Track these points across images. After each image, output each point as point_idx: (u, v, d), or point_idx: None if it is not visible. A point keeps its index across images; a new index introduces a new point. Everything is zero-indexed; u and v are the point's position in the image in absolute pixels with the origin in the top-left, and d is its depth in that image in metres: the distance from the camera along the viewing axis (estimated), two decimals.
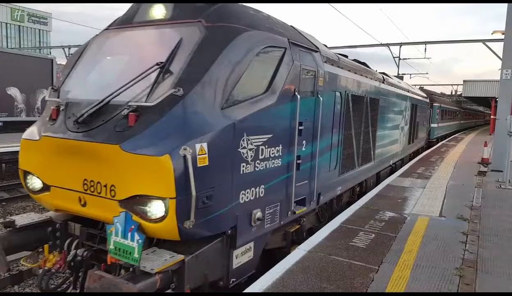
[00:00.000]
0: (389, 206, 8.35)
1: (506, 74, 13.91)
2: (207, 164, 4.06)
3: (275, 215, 5.45)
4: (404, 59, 32.08)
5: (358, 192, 10.02)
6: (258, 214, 4.97)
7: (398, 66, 30.84)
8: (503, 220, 7.66)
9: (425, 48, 29.12)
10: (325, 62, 6.73)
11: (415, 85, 32.11)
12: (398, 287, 4.60)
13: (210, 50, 4.49)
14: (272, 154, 5.15)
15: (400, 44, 29.17)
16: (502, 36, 15.26)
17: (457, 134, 37.21)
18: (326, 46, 7.68)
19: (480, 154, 16.51)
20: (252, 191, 4.86)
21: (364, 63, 10.21)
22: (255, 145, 4.78)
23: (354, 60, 9.56)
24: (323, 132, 6.60)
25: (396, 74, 27.11)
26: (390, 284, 4.66)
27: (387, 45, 28.81)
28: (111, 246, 3.95)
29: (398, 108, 13.09)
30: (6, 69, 19.48)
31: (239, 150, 4.51)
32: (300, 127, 5.68)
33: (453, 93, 61.46)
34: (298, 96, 5.52)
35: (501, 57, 14.71)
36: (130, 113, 4.14)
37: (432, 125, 25.52)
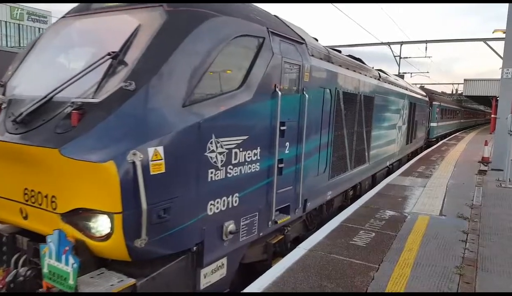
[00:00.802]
0: (389, 205, 8.36)
1: (507, 73, 13.91)
2: (163, 171, 3.49)
3: (253, 226, 4.91)
4: (405, 58, 32.07)
5: (352, 195, 9.41)
6: (231, 226, 4.43)
7: (399, 65, 30.84)
8: (503, 219, 7.67)
9: (426, 47, 29.11)
10: (312, 55, 6.14)
11: (415, 84, 32.10)
12: (398, 286, 4.60)
13: (171, 38, 3.88)
14: (249, 157, 4.61)
15: (401, 43, 29.16)
16: (503, 35, 15.24)
17: (457, 133, 37.19)
18: (316, 40, 7.27)
19: (481, 152, 16.51)
20: (224, 200, 4.31)
21: (359, 59, 9.73)
22: (226, 149, 4.22)
23: (349, 56, 9.19)
24: (309, 133, 6.07)
25: (397, 73, 27.11)
26: (391, 283, 4.67)
27: (388, 44, 28.78)
28: (45, 270, 3.40)
29: (395, 107, 12.53)
30: None
31: (206, 154, 3.96)
32: (282, 128, 5.18)
33: (454, 92, 61.43)
34: (279, 93, 4.95)
35: (502, 56, 14.70)
36: (73, 111, 3.51)
37: (432, 124, 25.18)
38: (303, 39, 5.96)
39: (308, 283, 4.57)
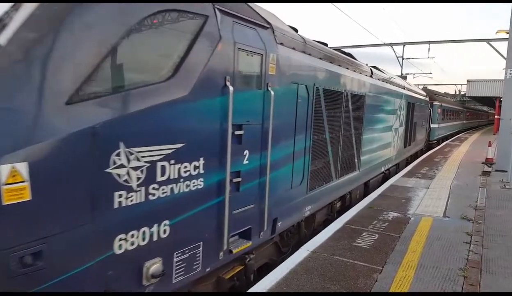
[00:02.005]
0: (392, 206, 8.33)
1: (510, 73, 13.85)
2: (28, 198, 2.49)
3: (195, 260, 3.88)
4: (407, 59, 32.02)
5: (339, 207, 8.40)
6: (155, 267, 3.38)
7: (401, 66, 30.78)
8: (508, 220, 7.62)
9: (429, 48, 29.06)
10: (281, 44, 5.17)
11: (418, 85, 32.02)
12: (402, 288, 4.58)
13: (50, 8, 2.87)
14: (186, 172, 3.60)
15: (404, 44, 29.11)
16: (507, 36, 15.18)
17: (460, 135, 37.06)
18: (296, 30, 6.28)
19: (484, 153, 16.44)
20: (143, 232, 3.25)
21: (349, 54, 8.90)
22: (146, 162, 3.18)
23: (339, 50, 8.42)
24: (278, 138, 5.09)
25: (400, 74, 27.05)
26: (394, 285, 4.64)
27: (391, 45, 28.73)
28: None
29: (391, 107, 11.53)
30: None
31: (109, 170, 2.93)
32: (238, 132, 4.28)
33: (457, 93, 61.26)
34: (231, 88, 3.95)
35: (506, 56, 14.64)
36: None
37: (432, 125, 24.30)
38: (268, 24, 4.92)
39: (311, 285, 4.55)
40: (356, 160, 8.67)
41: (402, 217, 7.58)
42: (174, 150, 3.45)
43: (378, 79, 10.17)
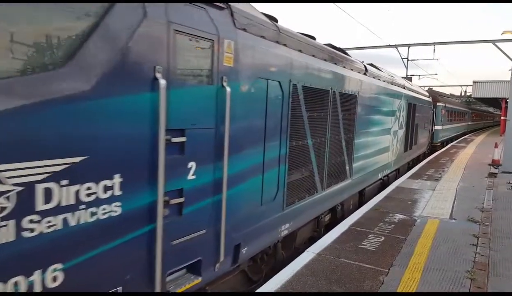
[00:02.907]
0: (398, 208, 8.29)
1: None
2: None
3: None
4: (412, 60, 31.90)
5: (328, 221, 7.51)
6: None
7: (406, 68, 30.67)
8: None
9: (434, 49, 28.93)
10: (244, 30, 4.22)
11: (424, 86, 31.86)
12: (408, 290, 4.56)
13: None
14: (90, 195, 2.70)
15: (409, 45, 29.00)
16: None
17: (466, 136, 36.83)
18: (275, 20, 5.35)
19: (491, 155, 16.33)
20: (15, 283, 2.35)
21: (340, 49, 7.91)
22: (15, 185, 2.31)
23: (328, 45, 7.40)
24: (240, 146, 4.17)
25: (405, 75, 26.97)
26: (400, 287, 4.62)
27: (396, 46, 28.65)
28: None
29: (389, 108, 10.57)
30: None
31: None
32: (178, 139, 3.36)
33: (463, 94, 60.98)
34: (162, 82, 3.08)
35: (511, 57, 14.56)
36: None
37: (436, 127, 23.46)
38: (226, 4, 4.02)
39: (317, 287, 4.54)
40: (347, 167, 7.78)
41: (408, 219, 7.55)
42: (67, 165, 2.52)
43: (374, 77, 9.25)
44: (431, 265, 5.32)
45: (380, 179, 10.82)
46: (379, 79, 9.64)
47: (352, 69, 7.74)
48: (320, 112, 6.32)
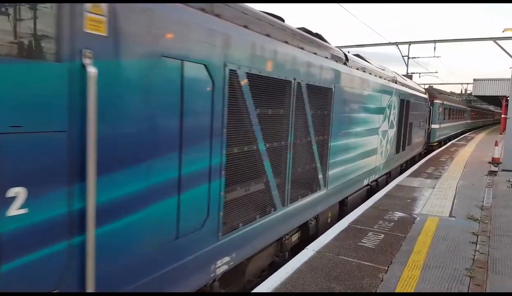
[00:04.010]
0: (398, 206, 8.30)
1: None
2: None
3: None
4: (413, 58, 31.87)
5: (298, 240, 6.26)
6: None
7: (407, 65, 30.64)
8: None
9: (435, 47, 28.88)
10: None
11: (424, 84, 31.80)
12: (407, 288, 4.57)
13: None
14: None
15: (409, 43, 28.95)
16: None
17: (466, 134, 36.81)
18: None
19: (491, 153, 16.34)
20: None
21: (317, 35, 6.70)
22: None
23: (302, 29, 6.27)
24: (126, 158, 2.96)
25: (405, 73, 26.93)
26: (400, 285, 4.63)
27: (396, 44, 28.61)
28: None
29: (376, 104, 9.33)
30: None
31: None
32: None
33: (463, 92, 60.96)
34: None
35: None
36: None
37: (433, 126, 22.34)
38: None
39: (316, 285, 4.56)
40: (321, 176, 6.53)
41: (408, 217, 7.56)
42: None
43: (357, 68, 7.96)
44: (430, 262, 5.33)
45: (367, 185, 9.69)
46: (363, 71, 8.39)
47: (327, 57, 6.46)
48: (278, 109, 5.05)
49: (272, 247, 5.54)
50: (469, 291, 4.56)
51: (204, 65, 3.64)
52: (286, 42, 5.16)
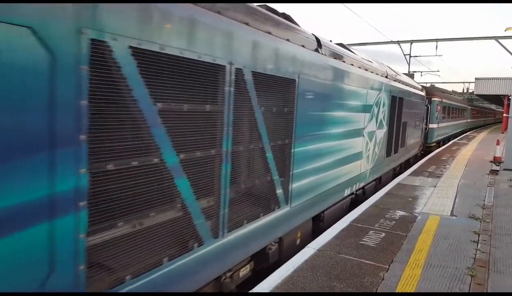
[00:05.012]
0: (399, 205, 8.29)
1: None
2: None
3: None
4: (415, 56, 31.80)
5: (251, 271, 4.95)
6: None
7: (408, 64, 30.58)
8: None
9: (437, 45, 28.80)
10: None
11: (426, 83, 31.70)
12: (408, 287, 4.56)
13: None
14: None
15: (411, 42, 28.88)
16: None
17: (468, 133, 36.70)
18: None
19: (492, 152, 16.29)
20: None
21: (284, 15, 5.61)
22: None
23: (264, 7, 5.25)
24: None
25: (407, 72, 26.86)
26: (401, 283, 4.62)
27: (398, 42, 28.54)
28: None
29: (361, 101, 8.00)
30: None
31: None
32: None
33: (465, 91, 60.83)
34: None
35: None
36: None
37: (431, 126, 21.19)
38: None
39: (317, 283, 4.55)
40: (280, 190, 5.19)
41: (409, 215, 7.54)
42: None
43: (334, 57, 6.62)
44: (431, 261, 5.32)
45: (352, 194, 8.38)
46: (342, 61, 6.98)
47: (288, 40, 5.12)
48: (199, 104, 3.69)
49: (214, 285, 4.21)
50: (470, 290, 4.55)
51: (31, 28, 2.17)
52: (218, 12, 3.81)
